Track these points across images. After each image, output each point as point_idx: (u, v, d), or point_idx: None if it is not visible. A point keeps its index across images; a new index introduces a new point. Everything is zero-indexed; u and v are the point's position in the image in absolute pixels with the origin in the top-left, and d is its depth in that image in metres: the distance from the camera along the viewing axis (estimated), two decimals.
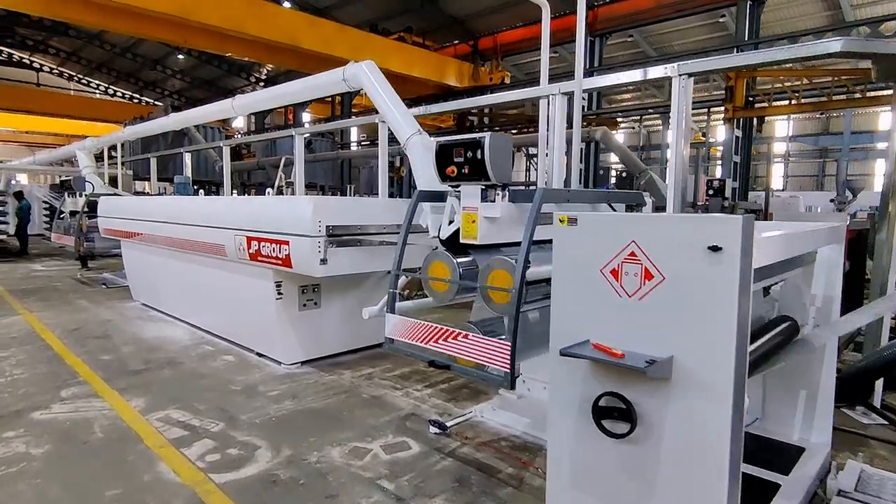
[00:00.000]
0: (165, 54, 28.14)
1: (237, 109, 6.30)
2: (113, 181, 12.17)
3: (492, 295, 2.95)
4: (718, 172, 37.05)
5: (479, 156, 2.93)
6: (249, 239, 4.88)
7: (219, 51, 16.26)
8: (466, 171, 3.01)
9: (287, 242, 4.45)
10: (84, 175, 10.06)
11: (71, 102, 29.70)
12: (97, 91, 33.98)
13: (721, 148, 37.72)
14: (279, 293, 4.98)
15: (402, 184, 22.97)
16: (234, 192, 18.50)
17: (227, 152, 8.65)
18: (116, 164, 14.40)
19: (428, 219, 3.63)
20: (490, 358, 2.79)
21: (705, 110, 24.09)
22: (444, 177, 3.14)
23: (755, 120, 14.91)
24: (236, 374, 4.96)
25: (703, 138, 37.21)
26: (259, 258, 4.82)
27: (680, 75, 3.83)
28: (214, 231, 5.37)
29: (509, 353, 2.68)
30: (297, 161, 7.08)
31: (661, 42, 23.09)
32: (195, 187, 9.16)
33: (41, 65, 31.14)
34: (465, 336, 2.93)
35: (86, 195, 9.68)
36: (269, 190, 6.71)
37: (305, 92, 5.33)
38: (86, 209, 9.35)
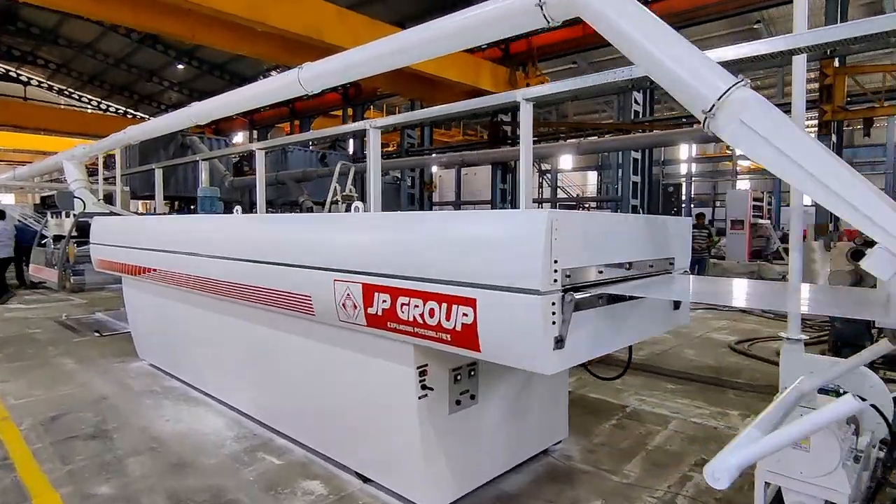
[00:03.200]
0: (163, 64, 26.12)
1: (307, 84, 4.15)
2: (108, 200, 9.95)
3: None
4: (741, 187, 35.40)
5: None
6: (371, 289, 2.69)
7: (229, 47, 14.21)
8: None
9: (472, 302, 2.25)
10: (72, 190, 7.86)
11: (61, 117, 27.45)
12: (89, 106, 31.87)
13: (740, 162, 36.10)
14: (424, 387, 2.77)
15: (419, 201, 20.87)
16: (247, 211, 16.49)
17: (260, 157, 6.49)
18: (112, 178, 12.24)
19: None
20: None
21: None
22: None
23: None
24: None
25: (730, 151, 35.65)
26: (392, 324, 2.63)
27: None
28: (290, 273, 3.17)
29: None
30: (371, 164, 4.92)
31: None
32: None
33: (29, 78, 28.97)
34: None
35: (74, 215, 7.45)
36: (342, 206, 4.56)
37: (456, 37, 3.03)
38: (74, 233, 7.12)
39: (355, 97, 21.14)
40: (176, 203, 20.01)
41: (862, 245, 9.48)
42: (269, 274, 3.36)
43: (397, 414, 2.87)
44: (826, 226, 12.96)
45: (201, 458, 3.60)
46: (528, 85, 17.86)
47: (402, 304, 2.56)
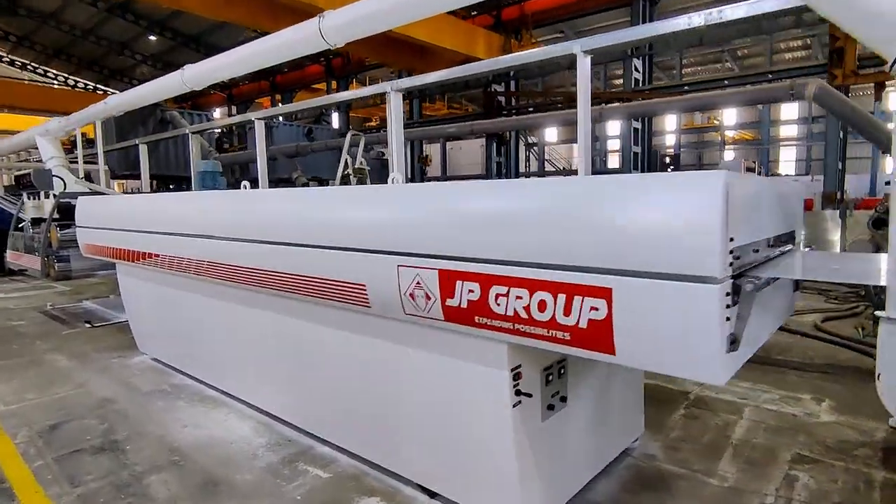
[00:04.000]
0: (134, 36, 24.72)
1: (330, 35, 3.53)
2: (88, 179, 9.16)
3: None
4: (727, 157, 35.32)
5: None
6: (452, 277, 2.20)
7: (206, 13, 13.29)
8: None
9: (605, 293, 1.78)
10: (49, 168, 7.13)
11: (26, 93, 25.81)
12: (55, 81, 30.16)
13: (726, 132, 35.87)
14: (518, 391, 2.31)
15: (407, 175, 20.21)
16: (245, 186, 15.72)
17: (260, 128, 5.88)
18: (87, 156, 11.48)
19: None
20: None
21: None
22: None
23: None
24: None
25: (717, 121, 35.39)
26: (482, 318, 2.15)
27: None
28: (338, 258, 2.66)
29: None
30: (393, 131, 4.36)
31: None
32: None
33: None
34: None
35: (55, 195, 6.76)
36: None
37: None
38: (56, 215, 6.45)
39: (342, 69, 20.19)
40: (154, 182, 19.05)
41: (884, 213, 9.20)
42: (309, 259, 2.84)
43: (482, 423, 2.42)
44: (834, 195, 12.75)
45: (234, 474, 3.12)
46: None
47: (498, 295, 2.08)
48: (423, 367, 2.61)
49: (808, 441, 3.43)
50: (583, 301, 1.86)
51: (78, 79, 30.61)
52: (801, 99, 5.96)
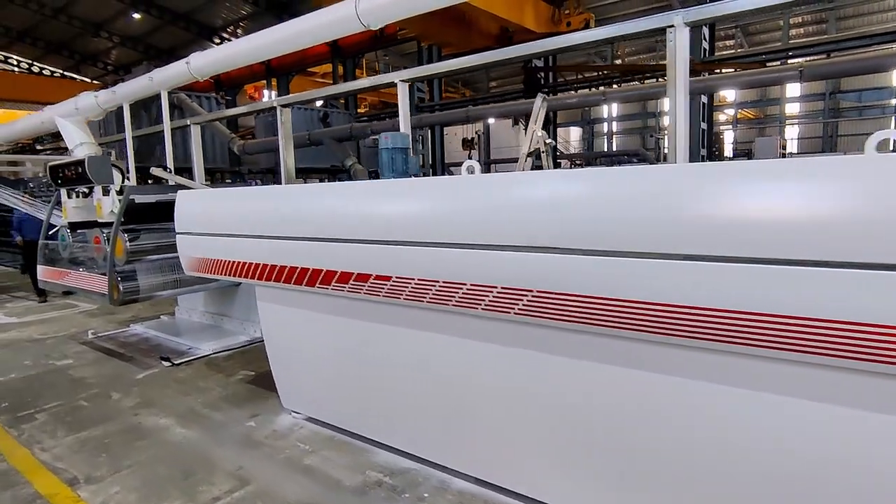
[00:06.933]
0: (114, 15, 22.21)
1: None
2: None
3: None
4: (727, 138, 34.77)
5: None
6: None
7: None
8: None
9: None
10: (81, 156, 5.33)
11: None
12: (16, 68, 27.28)
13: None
14: None
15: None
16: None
17: (404, 91, 4.33)
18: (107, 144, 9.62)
19: None
20: None
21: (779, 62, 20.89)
22: None
23: None
24: None
25: (726, 100, 34.69)
26: None
27: None
28: None
29: None
30: (679, 68, 2.90)
31: None
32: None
33: None
34: None
35: (114, 191, 5.00)
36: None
37: None
38: (122, 219, 4.73)
39: (373, 41, 18.29)
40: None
41: None
42: None
43: None
44: None
45: None
46: (569, 24, 15.73)
47: None
48: None
49: None
50: None
51: (43, 65, 27.84)
52: None
